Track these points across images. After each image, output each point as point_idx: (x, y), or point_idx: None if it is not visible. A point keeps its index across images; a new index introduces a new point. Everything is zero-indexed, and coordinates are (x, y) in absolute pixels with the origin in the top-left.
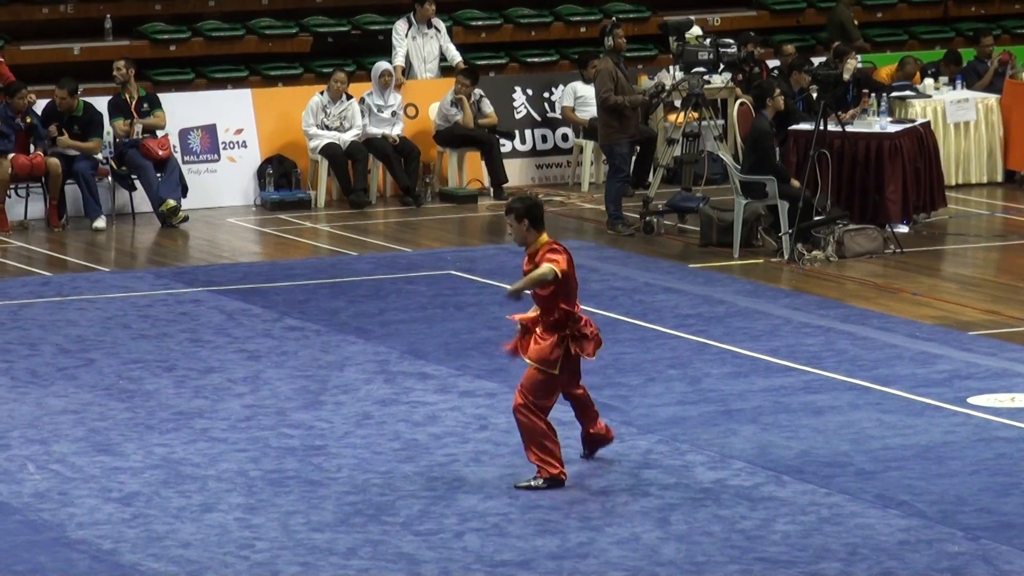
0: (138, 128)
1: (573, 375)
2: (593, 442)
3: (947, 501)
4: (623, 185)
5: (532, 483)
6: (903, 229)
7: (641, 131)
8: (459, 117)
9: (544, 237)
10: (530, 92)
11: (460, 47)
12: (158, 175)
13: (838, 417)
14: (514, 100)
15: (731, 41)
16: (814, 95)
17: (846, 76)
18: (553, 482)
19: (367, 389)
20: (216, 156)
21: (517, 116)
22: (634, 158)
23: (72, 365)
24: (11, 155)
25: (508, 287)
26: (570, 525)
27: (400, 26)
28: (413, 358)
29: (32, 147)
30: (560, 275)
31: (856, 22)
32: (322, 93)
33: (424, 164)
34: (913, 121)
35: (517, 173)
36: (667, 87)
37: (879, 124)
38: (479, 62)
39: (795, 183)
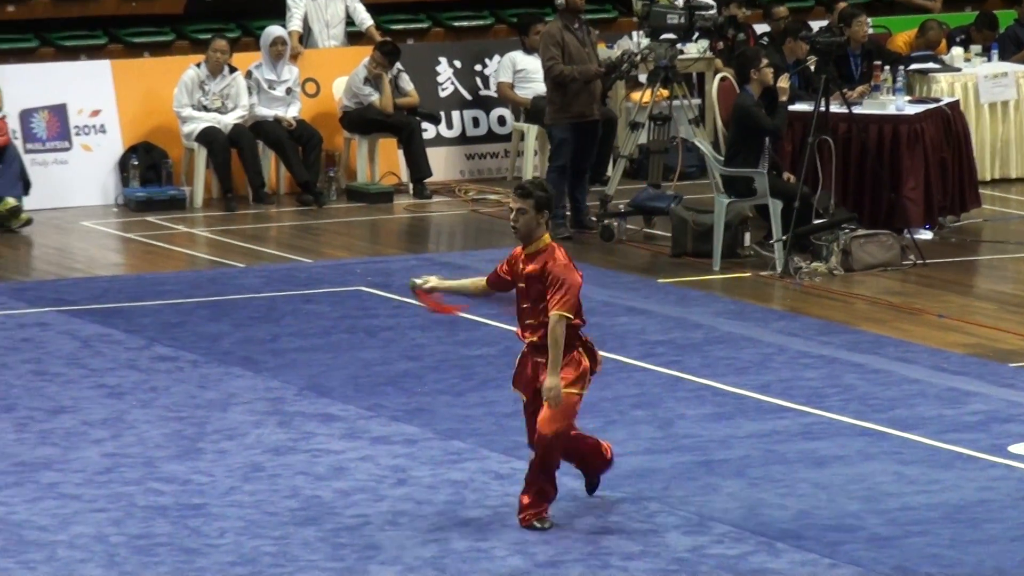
0: None
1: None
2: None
3: (984, 574)
4: (558, 177)
5: (540, 525)
6: (926, 235)
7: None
8: (374, 98)
9: (547, 238)
10: (458, 64)
11: (371, 8)
12: None
13: (845, 469)
14: (439, 74)
15: (709, 2)
16: (812, 68)
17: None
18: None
19: (256, 434)
20: (67, 144)
21: (443, 94)
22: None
23: None
24: None
25: (551, 388)
26: None
27: None
28: (314, 395)
29: None
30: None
31: None
32: (199, 65)
33: (327, 154)
34: (938, 100)
35: (442, 165)
36: (631, 58)
37: (895, 104)
38: (395, 27)
39: (790, 177)
